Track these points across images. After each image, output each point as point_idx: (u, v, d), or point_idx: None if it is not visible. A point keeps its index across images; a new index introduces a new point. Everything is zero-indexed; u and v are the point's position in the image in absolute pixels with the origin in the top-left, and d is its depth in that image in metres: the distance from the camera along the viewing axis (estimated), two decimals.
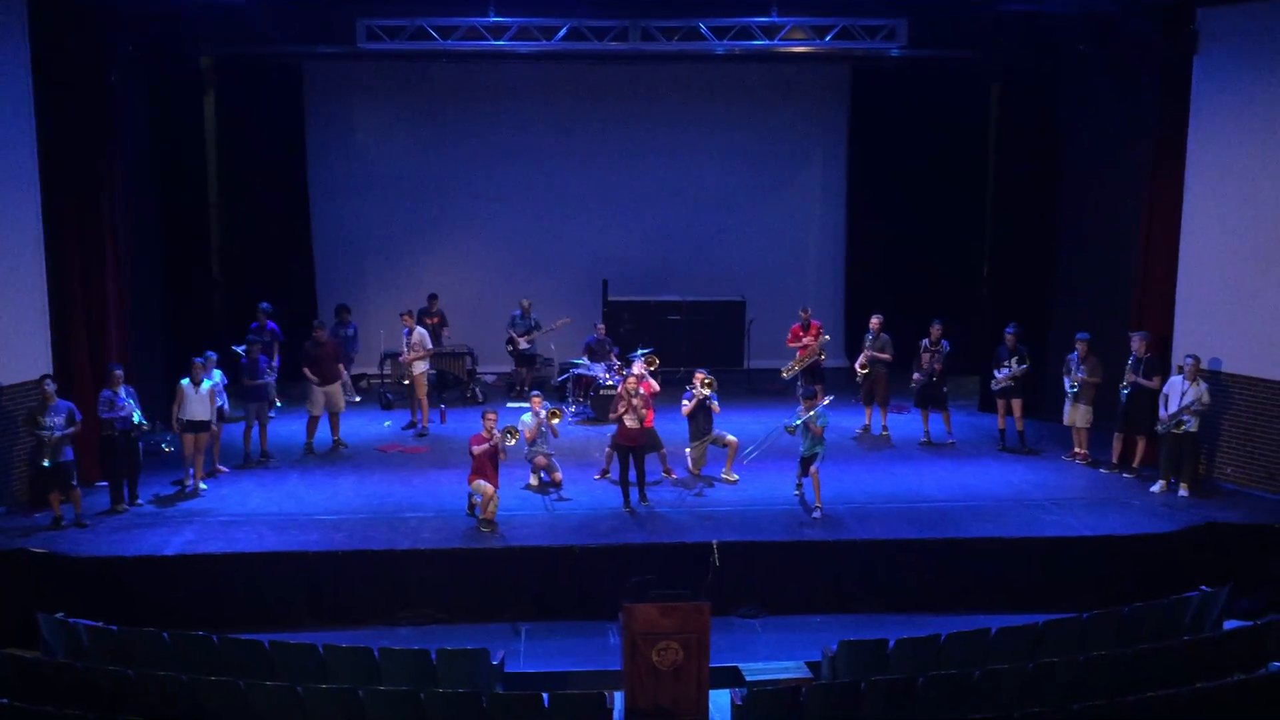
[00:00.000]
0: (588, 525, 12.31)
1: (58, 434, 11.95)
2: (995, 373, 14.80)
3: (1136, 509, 12.82)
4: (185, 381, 13.08)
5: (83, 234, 13.58)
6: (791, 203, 19.97)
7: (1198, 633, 9.87)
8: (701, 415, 13.79)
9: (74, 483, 12.25)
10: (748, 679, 9.88)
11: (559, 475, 13.56)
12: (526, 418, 13.63)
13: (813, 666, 10.12)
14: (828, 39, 15.55)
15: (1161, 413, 13.23)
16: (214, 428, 13.53)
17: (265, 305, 16.28)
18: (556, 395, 17.07)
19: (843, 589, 11.84)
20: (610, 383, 15.96)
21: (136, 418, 12.60)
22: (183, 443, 13.22)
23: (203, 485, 13.37)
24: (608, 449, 13.48)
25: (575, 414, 16.68)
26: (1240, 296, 13.35)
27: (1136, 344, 13.65)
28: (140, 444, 12.98)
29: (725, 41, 15.58)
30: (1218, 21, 13.38)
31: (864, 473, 14.14)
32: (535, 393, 14.30)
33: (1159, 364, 13.58)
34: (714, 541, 11.64)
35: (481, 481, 12.33)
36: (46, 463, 11.97)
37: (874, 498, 13.22)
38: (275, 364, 15.31)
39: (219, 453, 14.15)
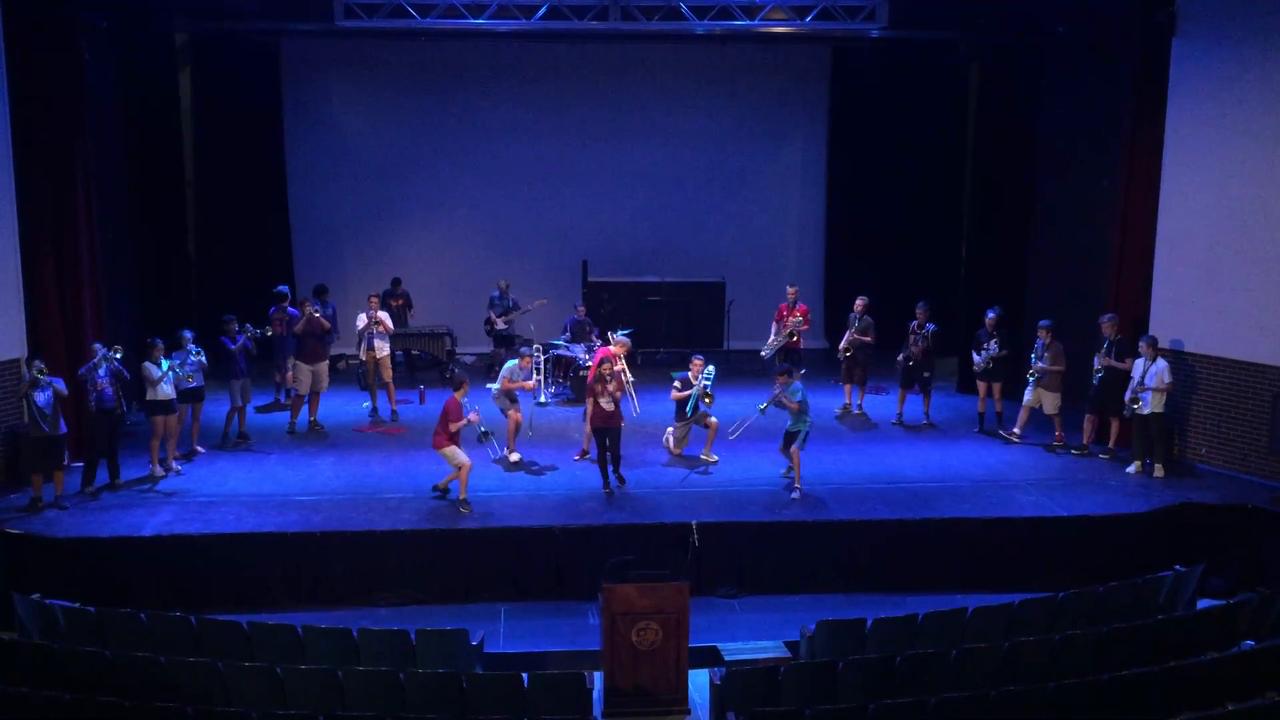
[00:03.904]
0: (567, 506, 12.32)
1: (48, 399, 11.92)
2: (975, 355, 14.85)
3: (1112, 490, 12.92)
4: (146, 363, 13.02)
5: (57, 213, 13.45)
6: (772, 183, 19.96)
7: (1171, 612, 9.96)
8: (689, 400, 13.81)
9: (64, 461, 12.21)
10: (726, 658, 9.91)
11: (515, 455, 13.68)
12: (512, 363, 13.84)
13: (791, 646, 10.16)
14: (808, 19, 15.51)
15: (1128, 396, 13.33)
16: (194, 406, 13.59)
17: (283, 289, 16.26)
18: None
19: (821, 569, 11.90)
20: (589, 363, 15.95)
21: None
22: (151, 424, 13.14)
23: (176, 466, 13.31)
24: (586, 429, 13.49)
25: (555, 395, 16.68)
26: (1216, 278, 13.43)
27: (1106, 327, 13.73)
28: (123, 423, 12.95)
29: (705, 21, 15.53)
30: (1196, 3, 13.41)
31: (843, 454, 14.20)
32: (526, 350, 14.57)
33: (1130, 346, 13.68)
34: (693, 522, 11.68)
35: (455, 450, 12.29)
36: (46, 425, 11.93)
37: (853, 479, 13.28)
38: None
39: (197, 433, 14.11)
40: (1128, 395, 13.31)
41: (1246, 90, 13.05)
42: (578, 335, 16.86)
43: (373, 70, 19.01)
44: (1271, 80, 12.82)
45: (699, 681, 9.60)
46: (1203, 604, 10.45)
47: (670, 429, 14.05)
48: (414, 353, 17.98)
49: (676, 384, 13.78)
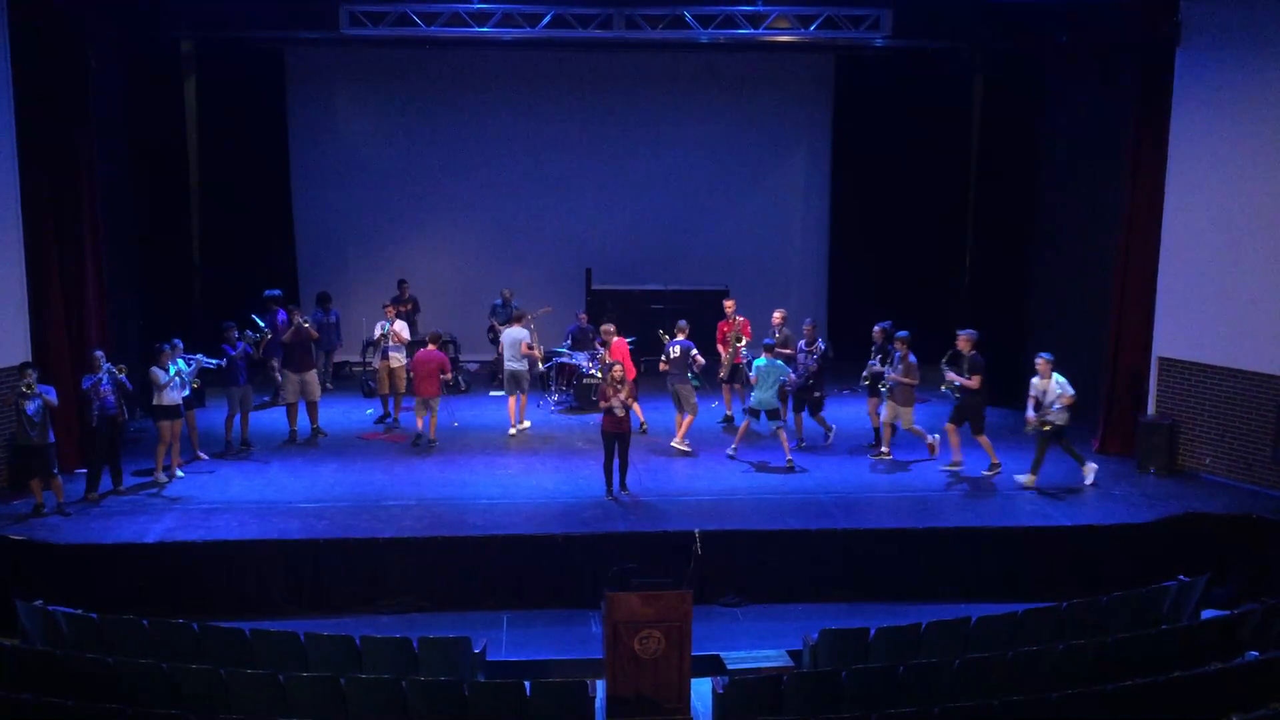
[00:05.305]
0: (570, 513, 12.32)
1: (37, 405, 11.89)
2: (871, 363, 14.42)
3: (1115, 499, 12.91)
4: (154, 369, 13.03)
5: (61, 218, 13.48)
6: (775, 191, 19.98)
7: (1175, 622, 9.94)
8: (686, 364, 14.28)
9: (54, 469, 12.18)
10: (729, 667, 9.92)
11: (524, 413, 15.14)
12: (523, 334, 15.25)
13: (794, 655, 10.17)
14: (812, 28, 15.54)
15: (1029, 413, 13.15)
16: (186, 413, 13.59)
17: (276, 292, 16.45)
18: (540, 384, 17.04)
19: (824, 578, 11.88)
20: (593, 371, 15.97)
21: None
22: (159, 430, 13.16)
23: (179, 472, 13.32)
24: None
25: (558, 402, 16.69)
26: (1220, 287, 13.42)
27: (962, 342, 13.47)
28: (125, 430, 12.96)
29: (709, 30, 15.57)
30: (1200, 14, 13.42)
31: (845, 462, 14.19)
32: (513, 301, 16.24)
33: (982, 363, 13.39)
34: (696, 530, 11.67)
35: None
36: (34, 432, 11.90)
37: (856, 487, 13.27)
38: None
39: (198, 440, 14.12)
40: (1032, 414, 13.07)
41: (1251, 101, 13.05)
42: (580, 343, 16.86)
43: (377, 78, 19.05)
44: (1276, 91, 12.83)
45: (701, 690, 9.57)
46: (1206, 614, 10.42)
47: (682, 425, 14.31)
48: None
49: (693, 353, 14.31)
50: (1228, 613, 10.06)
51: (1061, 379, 12.95)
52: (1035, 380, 13.13)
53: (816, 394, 14.53)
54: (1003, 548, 12.02)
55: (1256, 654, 8.83)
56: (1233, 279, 13.30)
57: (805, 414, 14.78)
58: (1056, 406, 12.92)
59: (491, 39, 15.86)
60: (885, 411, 14.06)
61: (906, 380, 13.70)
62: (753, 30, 15.59)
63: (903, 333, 13.90)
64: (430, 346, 14.76)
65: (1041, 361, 13.03)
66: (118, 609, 10.03)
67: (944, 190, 19.08)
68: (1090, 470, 13.26)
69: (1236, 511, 12.45)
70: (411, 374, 14.86)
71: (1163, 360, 14.02)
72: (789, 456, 13.65)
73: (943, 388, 13.67)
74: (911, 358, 13.73)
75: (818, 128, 19.81)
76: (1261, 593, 11.14)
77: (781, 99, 19.67)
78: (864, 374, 14.46)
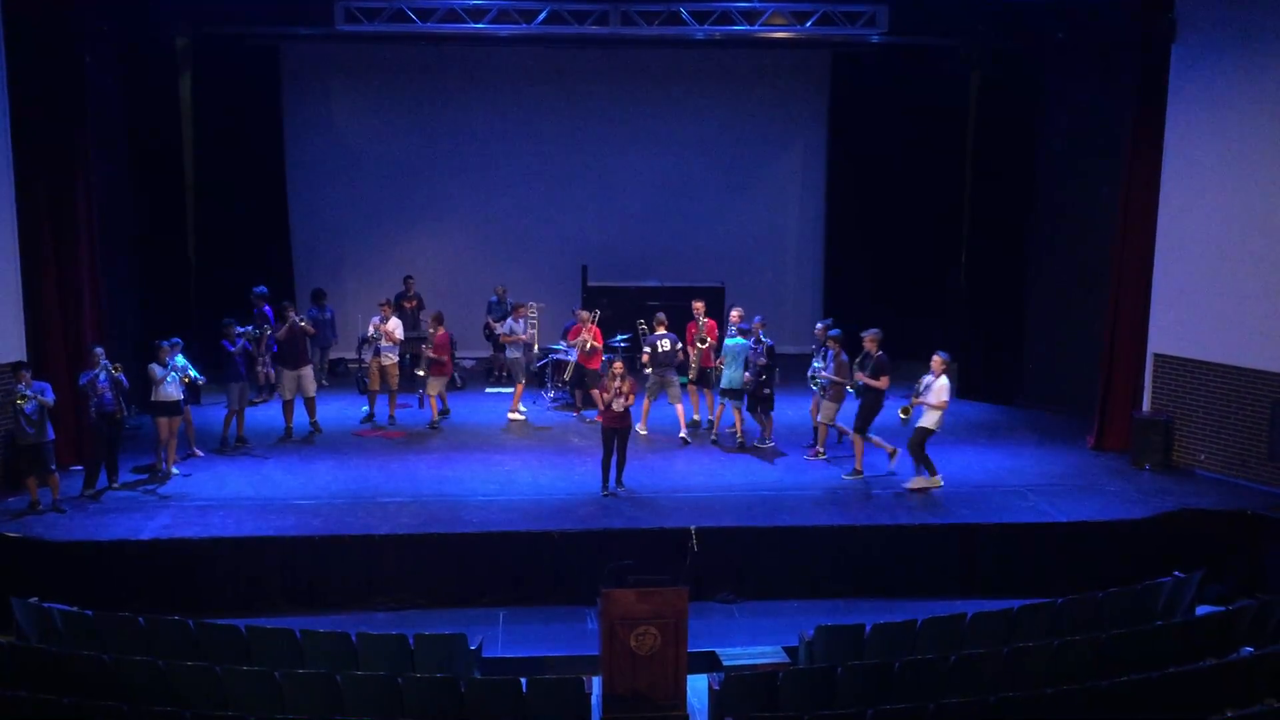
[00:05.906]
0: (566, 510, 12.31)
1: (33, 406, 11.88)
2: (815, 362, 14.29)
3: (1110, 495, 12.92)
4: (153, 365, 13.02)
5: (56, 216, 13.45)
6: (771, 188, 19.97)
7: (1170, 618, 9.96)
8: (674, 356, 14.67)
9: (52, 466, 12.17)
10: (725, 664, 9.91)
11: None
12: (512, 323, 15.76)
13: (790, 651, 10.16)
14: (808, 25, 15.54)
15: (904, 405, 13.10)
16: (185, 410, 13.58)
17: (263, 289, 16.47)
18: (535, 380, 17.04)
19: (820, 574, 11.88)
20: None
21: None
22: (157, 426, 13.15)
23: (175, 470, 13.31)
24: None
25: (553, 399, 16.69)
26: (1215, 284, 13.43)
27: (868, 342, 13.38)
28: (124, 427, 12.97)
29: (705, 26, 15.56)
30: (1196, 10, 13.42)
31: (841, 459, 14.18)
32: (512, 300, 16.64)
33: (888, 364, 13.32)
34: (692, 527, 11.67)
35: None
36: (32, 430, 11.89)
37: (851, 483, 13.28)
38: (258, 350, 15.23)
39: (194, 436, 14.11)
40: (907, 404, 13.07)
41: (1246, 98, 13.06)
42: None
43: (372, 75, 19.02)
44: (1271, 88, 12.84)
45: (698, 687, 9.59)
46: (1202, 610, 10.44)
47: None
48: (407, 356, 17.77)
49: (679, 347, 14.66)
50: (1223, 609, 10.09)
51: (946, 382, 12.83)
52: (928, 377, 12.92)
53: (766, 391, 14.32)
54: (998, 544, 12.03)
55: (1251, 650, 8.85)
56: (1228, 276, 13.31)
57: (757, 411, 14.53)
58: (926, 400, 12.79)
59: (487, 35, 15.85)
60: (823, 410, 13.92)
61: (838, 379, 13.65)
62: (748, 27, 15.58)
63: (835, 331, 13.84)
64: (441, 330, 15.28)
65: (937, 359, 12.90)
66: (113, 606, 10.04)
67: (941, 188, 19.03)
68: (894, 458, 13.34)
69: (1231, 508, 12.46)
70: (440, 357, 15.25)
71: (1158, 357, 14.04)
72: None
73: (848, 387, 13.60)
74: (844, 356, 13.64)
75: (814, 125, 19.79)
76: (1256, 589, 11.19)
77: (777, 96, 19.65)
78: (809, 372, 14.44)
